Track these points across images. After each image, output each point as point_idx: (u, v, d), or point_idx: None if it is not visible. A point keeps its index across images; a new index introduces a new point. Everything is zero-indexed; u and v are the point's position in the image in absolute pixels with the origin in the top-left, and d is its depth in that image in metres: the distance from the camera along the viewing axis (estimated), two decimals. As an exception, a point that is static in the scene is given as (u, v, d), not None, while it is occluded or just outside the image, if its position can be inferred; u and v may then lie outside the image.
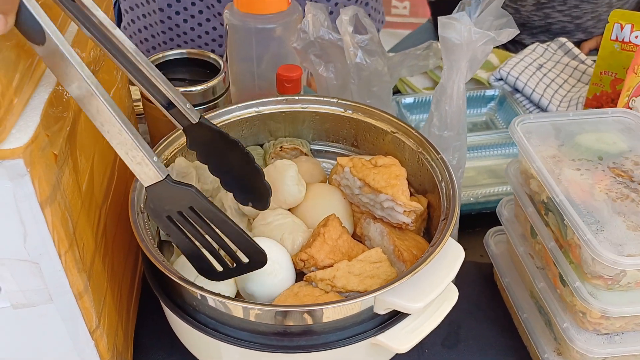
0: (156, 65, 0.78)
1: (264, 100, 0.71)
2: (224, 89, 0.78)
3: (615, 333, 0.57)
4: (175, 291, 0.53)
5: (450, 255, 0.54)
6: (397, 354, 0.57)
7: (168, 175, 0.47)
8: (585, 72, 1.03)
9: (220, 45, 1.05)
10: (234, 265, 0.53)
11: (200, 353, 0.57)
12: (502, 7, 0.62)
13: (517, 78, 0.99)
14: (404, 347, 0.51)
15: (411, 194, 0.64)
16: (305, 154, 0.73)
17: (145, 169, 0.46)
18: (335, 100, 0.71)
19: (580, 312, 0.55)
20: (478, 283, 0.73)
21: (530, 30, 1.34)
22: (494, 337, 0.67)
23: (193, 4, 1.00)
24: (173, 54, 0.80)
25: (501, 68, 1.01)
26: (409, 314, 0.52)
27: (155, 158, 0.46)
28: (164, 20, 1.03)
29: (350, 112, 0.70)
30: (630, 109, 0.78)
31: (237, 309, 0.50)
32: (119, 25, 1.14)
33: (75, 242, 0.46)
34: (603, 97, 0.90)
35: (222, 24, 1.03)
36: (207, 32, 1.03)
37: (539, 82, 0.99)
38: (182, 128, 0.55)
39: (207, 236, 0.51)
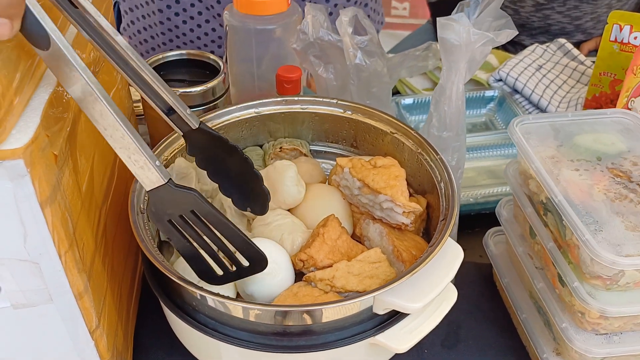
0: (156, 66, 0.78)
1: (264, 101, 0.71)
2: (224, 89, 0.78)
3: (613, 333, 0.57)
4: (174, 291, 0.53)
5: (449, 256, 0.54)
6: (396, 354, 0.57)
7: (170, 179, 0.47)
8: (585, 73, 1.03)
9: (219, 46, 1.05)
10: (235, 269, 0.53)
11: (199, 353, 0.57)
12: (501, 8, 0.62)
13: (516, 79, 0.99)
14: (403, 347, 0.51)
15: (410, 195, 0.64)
16: (305, 155, 0.73)
17: (148, 173, 0.46)
18: (334, 101, 0.71)
19: (579, 312, 0.55)
20: (477, 283, 0.74)
21: (529, 31, 1.34)
22: (493, 337, 0.67)
23: (192, 5, 1.01)
24: (173, 55, 0.80)
25: (500, 69, 1.01)
26: (408, 314, 0.52)
27: (157, 162, 0.46)
28: (164, 21, 1.03)
29: (349, 112, 0.71)
30: (630, 109, 0.78)
31: (236, 309, 0.50)
32: (118, 27, 1.14)
33: (75, 242, 0.46)
34: (602, 97, 0.90)
35: (221, 25, 1.03)
36: (206, 34, 1.04)
37: (538, 82, 1.00)
38: (182, 134, 0.56)
39: (208, 240, 0.51)
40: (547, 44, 1.09)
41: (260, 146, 0.74)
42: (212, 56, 0.80)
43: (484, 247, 0.72)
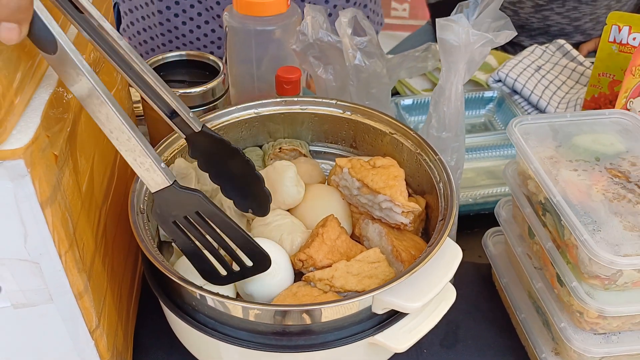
0: (156, 67, 0.78)
1: (263, 101, 0.71)
2: (224, 90, 0.78)
3: (612, 333, 0.57)
4: (174, 291, 0.53)
5: (448, 255, 0.54)
6: (395, 354, 0.57)
7: (175, 180, 0.48)
8: (584, 73, 1.04)
9: (219, 47, 1.05)
10: (238, 269, 0.53)
11: (199, 353, 0.58)
12: (500, 9, 0.62)
13: (515, 80, 1.00)
14: (402, 346, 0.51)
15: (409, 195, 0.64)
16: (304, 155, 0.73)
17: (153, 175, 0.47)
18: (334, 101, 0.71)
19: (577, 312, 0.55)
20: (476, 283, 0.74)
21: (529, 32, 1.35)
22: (492, 337, 0.67)
23: (192, 6, 1.01)
24: (172, 55, 0.80)
25: (500, 70, 1.01)
26: (407, 314, 0.52)
27: (162, 164, 0.47)
28: (163, 22, 1.03)
29: (349, 113, 0.71)
30: (628, 110, 0.78)
31: (236, 309, 0.50)
32: (118, 28, 1.14)
33: (76, 242, 0.46)
34: (601, 98, 0.90)
35: (221, 26, 1.03)
36: (206, 35, 1.04)
37: (538, 83, 1.00)
38: (184, 137, 0.56)
39: (211, 240, 0.51)
40: (546, 45, 1.09)
41: (260, 147, 0.74)
42: (211, 57, 0.80)
43: (483, 248, 0.72)
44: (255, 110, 0.71)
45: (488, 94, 1.00)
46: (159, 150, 0.63)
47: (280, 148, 0.72)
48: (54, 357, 0.52)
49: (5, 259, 0.43)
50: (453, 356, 0.65)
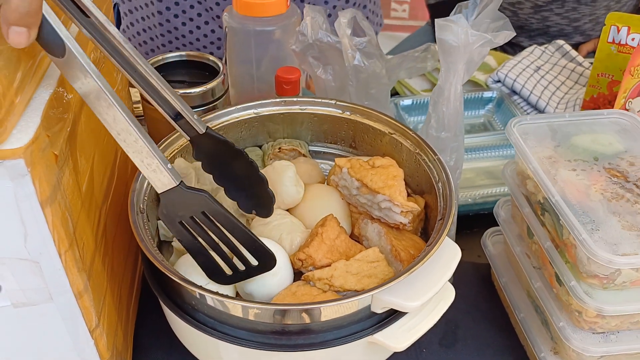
0: (156, 68, 0.78)
1: (263, 101, 0.71)
2: (223, 90, 0.78)
3: (610, 332, 0.57)
4: (174, 290, 0.54)
5: (447, 255, 0.54)
6: (395, 353, 0.58)
7: (182, 181, 0.48)
8: (583, 74, 1.04)
9: (218, 47, 1.06)
10: (243, 268, 0.54)
11: (199, 352, 0.58)
12: (499, 9, 0.63)
13: (514, 80, 1.00)
14: (401, 345, 0.52)
15: (408, 195, 0.64)
16: (304, 155, 0.73)
17: (160, 176, 0.47)
18: (333, 101, 0.71)
19: (576, 311, 0.56)
20: (476, 283, 0.74)
21: (528, 33, 1.35)
22: (491, 336, 0.68)
23: (192, 7, 1.01)
24: (172, 56, 0.80)
25: (499, 70, 1.02)
26: (406, 313, 0.53)
27: (169, 165, 0.47)
28: (163, 23, 1.03)
29: (348, 113, 0.71)
30: (627, 110, 0.79)
31: (235, 308, 0.50)
32: (117, 28, 1.14)
33: (75, 241, 0.46)
34: (600, 98, 0.90)
35: (220, 27, 1.03)
36: (205, 35, 1.04)
37: (537, 84, 1.00)
38: (189, 139, 0.56)
39: (217, 240, 0.52)
40: (545, 45, 1.09)
41: (260, 147, 0.75)
42: (211, 57, 0.81)
43: (482, 247, 0.72)
44: (255, 111, 0.71)
45: (487, 94, 1.01)
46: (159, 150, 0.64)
47: (279, 148, 0.72)
48: (54, 356, 0.52)
49: (5, 258, 0.44)
50: (452, 355, 0.65)
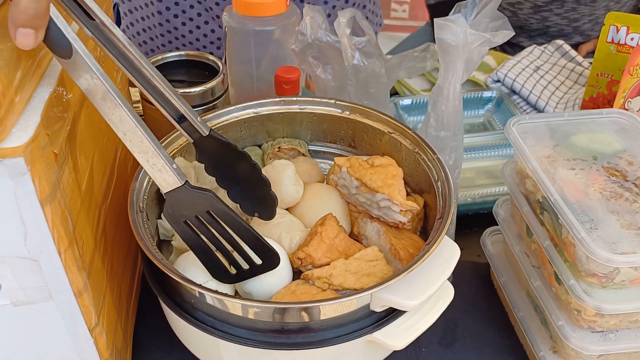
0: (155, 67, 0.78)
1: (263, 101, 0.71)
2: (223, 90, 0.78)
3: (609, 331, 0.57)
4: (173, 289, 0.54)
5: (446, 254, 0.54)
6: (394, 352, 0.58)
7: (187, 181, 0.48)
8: (582, 74, 1.04)
9: (218, 47, 1.06)
10: (247, 267, 0.54)
11: (198, 351, 0.58)
12: (499, 10, 0.63)
13: (514, 80, 1.00)
14: (400, 344, 0.52)
15: (408, 194, 0.64)
16: (303, 155, 0.73)
17: (165, 176, 0.48)
18: (332, 101, 0.71)
19: (575, 310, 0.56)
20: (475, 283, 0.74)
21: (528, 33, 1.35)
22: (490, 335, 0.68)
23: (192, 7, 1.01)
24: (172, 55, 0.80)
25: (498, 70, 1.02)
26: (405, 312, 0.53)
27: (174, 165, 0.48)
28: (163, 23, 1.03)
29: (347, 113, 0.71)
30: (626, 110, 0.79)
31: (235, 307, 0.50)
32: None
33: (75, 240, 0.47)
34: (599, 98, 0.90)
35: (220, 27, 1.03)
36: (205, 35, 1.04)
37: (536, 84, 1.00)
38: (192, 141, 0.57)
39: (222, 239, 0.52)
40: (544, 45, 1.10)
41: (259, 146, 0.75)
42: (211, 57, 0.81)
43: (481, 247, 0.72)
44: (255, 110, 0.71)
45: (487, 94, 1.01)
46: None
47: (279, 147, 0.73)
48: (54, 355, 0.52)
49: (5, 257, 0.44)
50: (451, 354, 0.65)
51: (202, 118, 0.67)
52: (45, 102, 0.43)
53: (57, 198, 0.43)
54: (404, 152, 0.66)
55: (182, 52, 0.81)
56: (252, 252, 0.53)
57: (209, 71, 0.80)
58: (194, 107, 0.74)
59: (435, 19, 0.61)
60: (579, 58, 1.07)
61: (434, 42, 0.65)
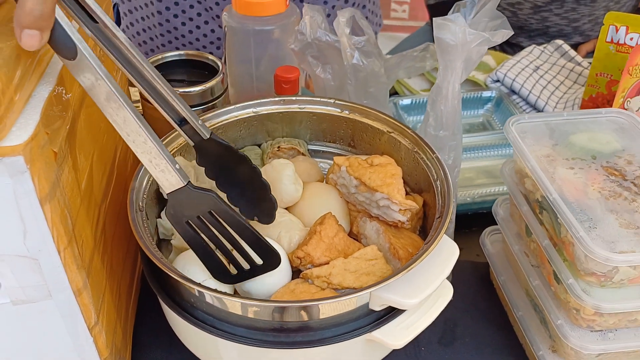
0: (155, 67, 0.78)
1: (262, 100, 0.71)
2: (222, 89, 0.79)
3: (608, 330, 0.57)
4: (173, 288, 0.54)
5: (445, 252, 0.54)
6: (394, 351, 0.58)
7: (189, 181, 0.48)
8: (582, 74, 1.04)
9: (218, 47, 1.06)
10: (248, 267, 0.54)
11: (197, 350, 0.58)
12: (498, 10, 0.63)
13: (513, 80, 1.00)
14: (399, 342, 0.52)
15: (407, 193, 0.64)
16: (303, 154, 0.73)
17: (168, 176, 0.48)
18: (332, 100, 0.71)
19: (574, 309, 0.56)
20: (474, 282, 0.74)
21: (527, 33, 1.35)
22: (490, 335, 0.68)
23: (191, 6, 1.01)
24: (172, 55, 0.81)
25: (498, 70, 1.02)
26: (404, 310, 0.53)
27: (177, 165, 0.48)
28: (163, 22, 1.03)
29: (347, 112, 0.71)
30: (625, 109, 0.79)
31: (234, 306, 0.50)
32: (118, 28, 1.14)
33: (75, 239, 0.47)
34: (599, 98, 0.91)
35: (220, 27, 1.03)
36: (205, 35, 1.04)
37: (536, 83, 1.00)
38: (193, 144, 0.57)
39: (223, 240, 0.52)
40: (544, 45, 1.10)
41: (259, 145, 0.75)
42: (211, 56, 0.81)
43: (480, 246, 0.72)
44: (254, 110, 0.71)
45: (486, 94, 1.01)
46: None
47: (278, 147, 0.73)
48: (53, 353, 0.52)
49: (5, 255, 0.44)
50: (451, 354, 0.66)
51: (202, 118, 0.67)
52: (45, 101, 0.43)
53: (56, 197, 0.43)
54: (403, 152, 0.67)
55: (182, 52, 0.81)
56: (253, 252, 0.53)
57: (209, 71, 0.80)
58: (193, 106, 0.74)
59: (434, 18, 0.61)
60: (579, 58, 1.07)
61: (434, 42, 0.65)
